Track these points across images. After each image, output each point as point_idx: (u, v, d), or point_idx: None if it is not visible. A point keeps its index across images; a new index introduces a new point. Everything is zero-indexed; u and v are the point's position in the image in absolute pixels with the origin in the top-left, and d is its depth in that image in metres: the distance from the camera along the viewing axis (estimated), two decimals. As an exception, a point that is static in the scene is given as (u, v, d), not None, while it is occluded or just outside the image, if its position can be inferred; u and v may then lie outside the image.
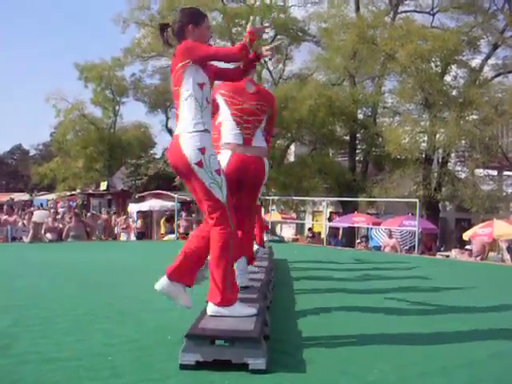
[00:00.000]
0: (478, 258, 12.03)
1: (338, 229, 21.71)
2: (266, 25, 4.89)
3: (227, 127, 4.19)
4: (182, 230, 14.61)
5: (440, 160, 22.60)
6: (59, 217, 14.76)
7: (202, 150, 3.27)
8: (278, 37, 26.98)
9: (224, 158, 4.06)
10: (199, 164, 3.27)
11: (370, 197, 20.95)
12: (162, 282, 3.40)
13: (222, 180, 3.33)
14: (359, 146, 26.06)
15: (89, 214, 18.10)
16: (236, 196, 3.96)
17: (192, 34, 3.48)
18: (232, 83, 4.18)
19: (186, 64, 3.34)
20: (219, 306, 3.30)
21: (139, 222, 17.40)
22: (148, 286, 5.33)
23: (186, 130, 3.33)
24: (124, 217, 18.21)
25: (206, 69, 3.43)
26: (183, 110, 3.38)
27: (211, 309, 3.32)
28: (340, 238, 21.06)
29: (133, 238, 18.68)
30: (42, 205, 24.35)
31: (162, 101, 36.04)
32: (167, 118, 37.96)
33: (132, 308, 4.48)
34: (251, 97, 4.24)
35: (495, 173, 24.38)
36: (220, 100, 4.23)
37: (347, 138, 25.51)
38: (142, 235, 17.72)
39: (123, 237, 15.65)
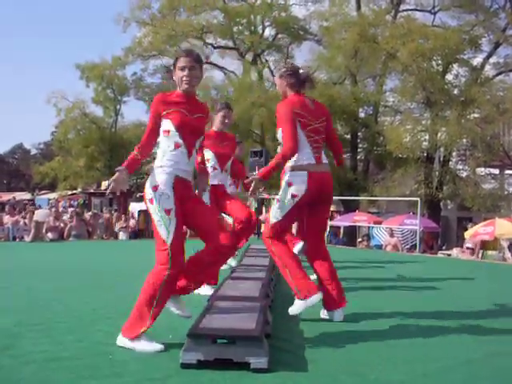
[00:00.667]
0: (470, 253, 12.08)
1: (339, 228, 21.70)
2: None
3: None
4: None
5: (441, 159, 22.57)
6: (67, 216, 14.82)
7: (153, 188, 3.38)
8: (280, 35, 26.94)
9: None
10: (151, 201, 3.37)
11: (372, 196, 20.94)
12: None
13: (170, 219, 3.31)
14: (360, 145, 26.03)
15: (90, 213, 18.09)
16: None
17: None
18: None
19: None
20: (123, 337, 3.32)
21: (132, 221, 17.30)
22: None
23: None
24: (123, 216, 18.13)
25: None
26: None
27: (118, 338, 3.35)
28: (341, 236, 21.05)
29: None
30: (39, 206, 24.29)
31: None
32: (168, 117, 37.94)
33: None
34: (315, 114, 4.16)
35: (497, 171, 24.35)
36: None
37: (348, 136, 25.48)
38: (139, 234, 17.70)
39: (122, 236, 15.58)
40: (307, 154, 4.01)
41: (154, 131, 3.54)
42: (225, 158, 5.53)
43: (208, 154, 5.37)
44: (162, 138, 3.55)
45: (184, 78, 3.42)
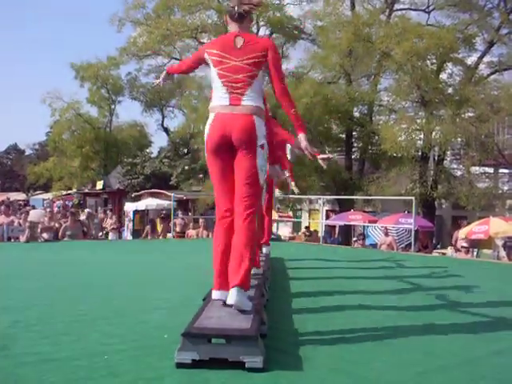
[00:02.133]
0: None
1: (334, 227, 21.73)
2: None
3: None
4: (178, 229, 14.60)
5: (436, 158, 22.62)
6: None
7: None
8: (275, 34, 26.95)
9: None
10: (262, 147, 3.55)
11: (367, 195, 20.96)
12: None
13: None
14: (355, 144, 26.05)
15: (85, 213, 18.07)
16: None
17: None
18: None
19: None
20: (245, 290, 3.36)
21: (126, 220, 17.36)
22: (145, 286, 5.35)
23: (259, 114, 3.56)
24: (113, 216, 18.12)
25: None
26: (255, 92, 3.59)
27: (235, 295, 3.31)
28: (336, 235, 21.09)
29: (129, 236, 18.70)
30: (33, 206, 24.23)
31: (158, 100, 36.03)
32: (163, 117, 37.96)
33: (129, 308, 4.49)
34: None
35: (491, 170, 24.41)
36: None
37: (343, 136, 25.51)
38: (137, 234, 17.71)
39: (111, 236, 15.56)
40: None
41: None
42: None
43: None
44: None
45: None
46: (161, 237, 14.78)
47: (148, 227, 15.50)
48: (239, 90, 3.58)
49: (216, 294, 3.56)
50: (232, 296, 3.33)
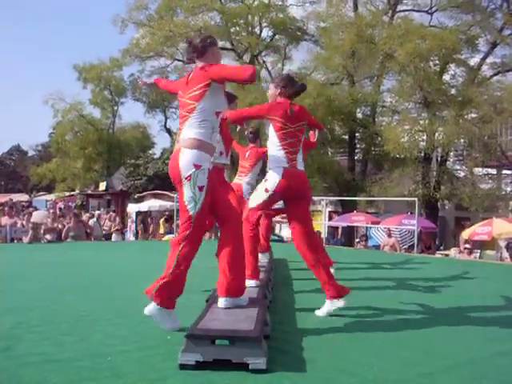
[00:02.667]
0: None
1: (337, 228, 21.71)
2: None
3: None
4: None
5: (439, 159, 22.57)
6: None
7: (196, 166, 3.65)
8: (278, 36, 26.98)
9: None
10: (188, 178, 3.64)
11: (370, 196, 20.94)
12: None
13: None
14: (358, 145, 26.03)
15: (88, 214, 18.07)
16: None
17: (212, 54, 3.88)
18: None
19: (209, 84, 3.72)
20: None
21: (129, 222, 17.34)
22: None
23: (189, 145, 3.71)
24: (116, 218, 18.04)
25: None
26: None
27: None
28: (339, 237, 21.07)
29: (132, 237, 18.67)
30: (35, 207, 24.24)
31: (161, 101, 36.03)
32: (166, 118, 37.98)
33: (132, 309, 4.48)
34: None
35: (494, 171, 24.36)
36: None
37: (346, 137, 25.50)
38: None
39: (115, 238, 15.54)
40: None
41: None
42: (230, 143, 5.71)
43: None
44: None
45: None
46: (150, 237, 14.72)
47: (141, 226, 15.48)
48: (180, 125, 3.85)
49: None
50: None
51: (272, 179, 4.44)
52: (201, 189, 3.66)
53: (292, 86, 4.64)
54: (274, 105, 4.56)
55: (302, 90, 4.74)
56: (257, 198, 4.62)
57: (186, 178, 3.65)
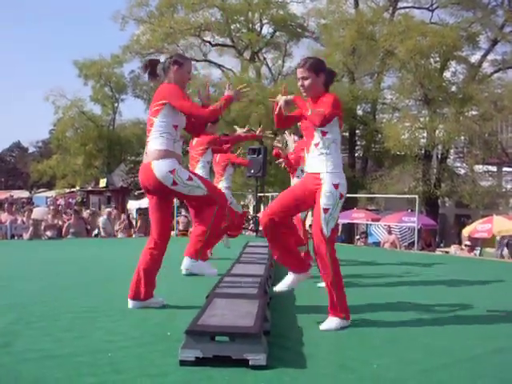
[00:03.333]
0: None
1: (337, 225, 21.71)
2: (243, 86, 5.06)
3: None
4: (181, 227, 14.59)
5: (439, 156, 22.60)
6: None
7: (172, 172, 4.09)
8: (278, 32, 26.96)
9: None
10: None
11: (370, 193, 20.96)
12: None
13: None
14: (359, 143, 26.06)
15: (88, 211, 18.07)
16: None
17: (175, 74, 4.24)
18: None
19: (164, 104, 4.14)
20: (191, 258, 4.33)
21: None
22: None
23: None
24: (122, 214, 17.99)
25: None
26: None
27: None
28: (339, 234, 21.06)
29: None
30: (34, 203, 24.27)
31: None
32: (166, 115, 37.89)
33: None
34: None
35: (494, 169, 24.38)
36: None
37: (346, 134, 25.49)
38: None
39: (120, 235, 15.50)
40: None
41: None
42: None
43: None
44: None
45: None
46: (136, 234, 14.67)
47: (126, 223, 15.44)
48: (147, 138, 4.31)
49: None
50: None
51: (343, 182, 3.88)
52: (190, 179, 4.16)
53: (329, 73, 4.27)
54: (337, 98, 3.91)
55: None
56: (334, 211, 3.83)
57: (172, 185, 4.09)
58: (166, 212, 4.36)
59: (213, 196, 4.24)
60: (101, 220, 14.49)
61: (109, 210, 16.62)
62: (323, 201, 3.78)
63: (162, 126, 4.14)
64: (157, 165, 4.08)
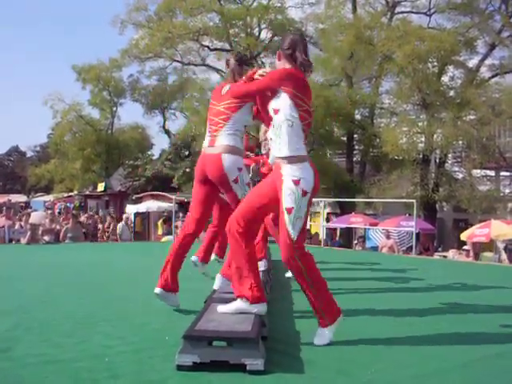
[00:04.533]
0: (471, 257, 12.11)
1: (335, 229, 21.72)
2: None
3: None
4: (178, 232, 14.58)
5: (437, 160, 22.61)
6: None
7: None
8: (276, 37, 27.00)
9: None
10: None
11: (368, 197, 20.96)
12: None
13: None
14: (357, 147, 26.05)
15: (86, 215, 18.07)
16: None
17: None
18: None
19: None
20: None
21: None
22: (146, 288, 5.34)
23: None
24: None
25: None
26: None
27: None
28: (337, 238, 21.07)
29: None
30: (31, 207, 24.23)
31: (160, 102, 36.04)
32: (164, 119, 37.97)
33: (130, 310, 4.50)
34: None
35: (492, 173, 24.38)
36: None
37: (345, 138, 25.51)
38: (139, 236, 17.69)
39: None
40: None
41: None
42: None
43: None
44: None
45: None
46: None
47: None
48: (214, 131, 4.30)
49: None
50: None
51: (305, 175, 3.51)
52: (248, 184, 4.27)
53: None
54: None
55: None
56: (299, 211, 3.46)
57: (233, 182, 4.18)
58: (211, 203, 4.50)
59: None
60: (119, 226, 14.56)
61: (126, 215, 16.64)
62: (284, 200, 3.42)
63: (237, 123, 4.23)
64: (228, 157, 4.16)
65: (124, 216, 16.53)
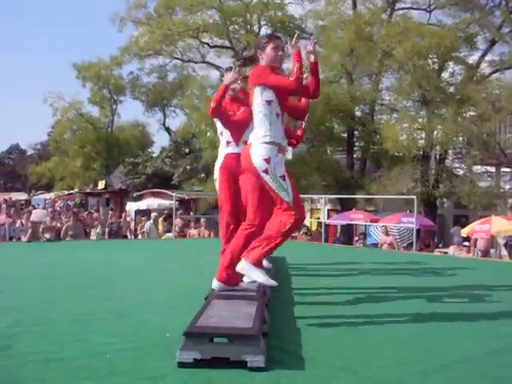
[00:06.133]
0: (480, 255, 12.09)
1: (336, 226, 21.72)
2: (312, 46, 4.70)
3: None
4: (177, 229, 14.56)
5: (438, 157, 22.62)
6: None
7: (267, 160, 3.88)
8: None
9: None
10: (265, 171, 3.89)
11: (368, 194, 20.95)
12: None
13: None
14: (357, 144, 26.04)
15: (86, 213, 18.07)
16: None
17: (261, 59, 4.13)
18: None
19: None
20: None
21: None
22: (146, 285, 5.34)
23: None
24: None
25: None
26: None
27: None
28: (338, 235, 21.06)
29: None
30: (33, 206, 24.23)
31: (160, 99, 36.02)
32: (164, 117, 37.95)
33: (130, 307, 4.49)
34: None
35: (493, 169, 24.38)
36: None
37: (345, 135, 25.50)
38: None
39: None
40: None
41: None
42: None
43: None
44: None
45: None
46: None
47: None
48: None
49: None
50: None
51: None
52: (284, 178, 3.95)
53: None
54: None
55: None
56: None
57: (263, 171, 3.93)
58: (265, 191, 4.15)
59: (294, 208, 3.96)
60: (147, 224, 14.57)
61: (155, 214, 16.60)
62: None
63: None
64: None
65: (152, 214, 16.46)
